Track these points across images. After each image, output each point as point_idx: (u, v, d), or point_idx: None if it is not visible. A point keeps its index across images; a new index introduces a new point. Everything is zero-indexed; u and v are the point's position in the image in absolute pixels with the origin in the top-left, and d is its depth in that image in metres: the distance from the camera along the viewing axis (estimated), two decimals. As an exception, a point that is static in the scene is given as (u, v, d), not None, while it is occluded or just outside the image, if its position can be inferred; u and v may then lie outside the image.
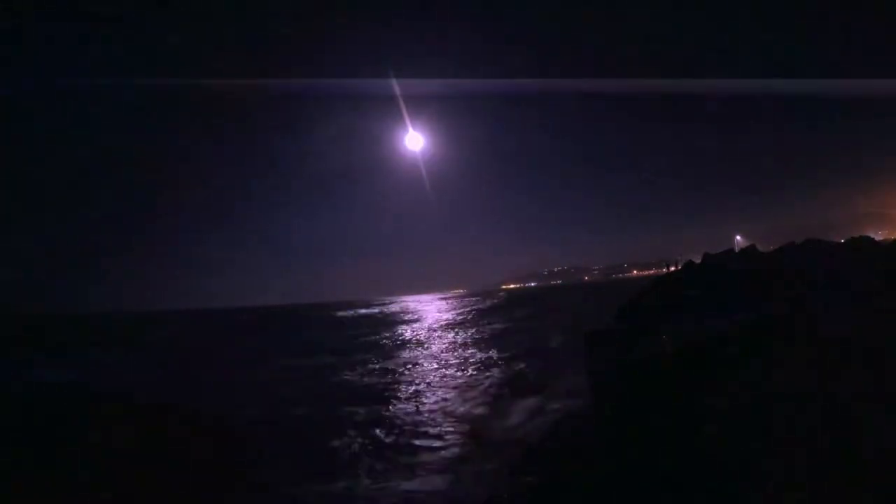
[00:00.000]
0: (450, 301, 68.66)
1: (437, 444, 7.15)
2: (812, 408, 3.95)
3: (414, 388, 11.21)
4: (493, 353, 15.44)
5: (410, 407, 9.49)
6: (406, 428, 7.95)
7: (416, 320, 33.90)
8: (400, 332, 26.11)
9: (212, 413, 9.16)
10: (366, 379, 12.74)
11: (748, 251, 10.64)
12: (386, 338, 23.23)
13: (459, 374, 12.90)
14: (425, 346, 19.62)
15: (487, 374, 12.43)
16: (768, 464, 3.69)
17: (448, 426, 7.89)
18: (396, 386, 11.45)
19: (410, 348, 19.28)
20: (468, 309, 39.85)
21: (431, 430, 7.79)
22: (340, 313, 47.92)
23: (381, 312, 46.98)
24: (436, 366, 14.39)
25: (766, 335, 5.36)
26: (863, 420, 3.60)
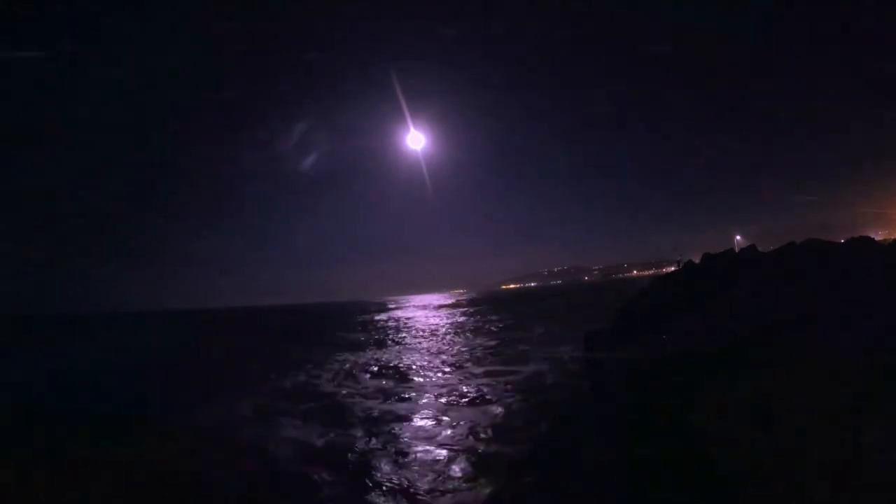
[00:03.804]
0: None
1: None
2: (809, 414, 3.93)
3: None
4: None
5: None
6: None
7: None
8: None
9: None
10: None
11: (748, 251, 10.63)
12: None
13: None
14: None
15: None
16: (765, 464, 3.67)
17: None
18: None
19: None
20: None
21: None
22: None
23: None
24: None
25: (766, 342, 5.35)
26: (858, 429, 3.57)
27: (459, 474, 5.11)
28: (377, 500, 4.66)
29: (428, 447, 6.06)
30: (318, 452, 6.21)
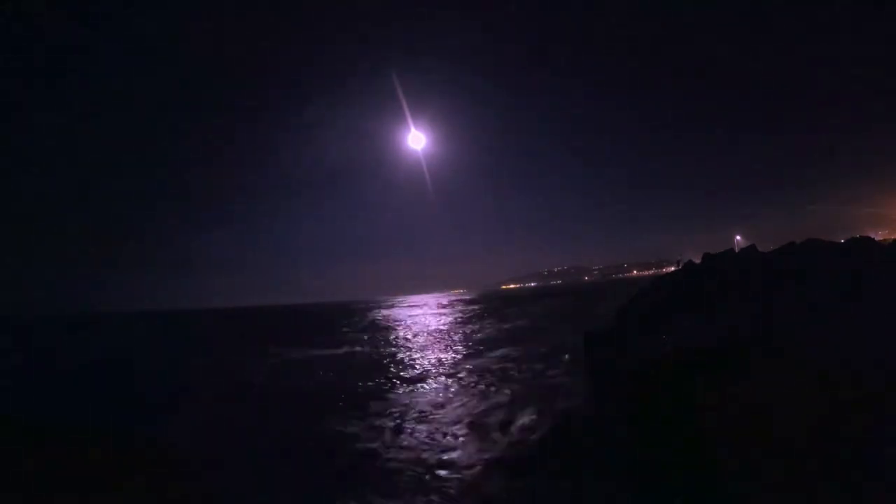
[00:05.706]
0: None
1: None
2: (810, 416, 3.93)
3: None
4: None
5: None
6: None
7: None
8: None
9: None
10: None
11: (748, 251, 10.61)
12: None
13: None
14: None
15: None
16: (767, 466, 3.67)
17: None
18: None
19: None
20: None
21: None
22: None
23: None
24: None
25: (766, 343, 5.34)
26: (860, 432, 3.57)
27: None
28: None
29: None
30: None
